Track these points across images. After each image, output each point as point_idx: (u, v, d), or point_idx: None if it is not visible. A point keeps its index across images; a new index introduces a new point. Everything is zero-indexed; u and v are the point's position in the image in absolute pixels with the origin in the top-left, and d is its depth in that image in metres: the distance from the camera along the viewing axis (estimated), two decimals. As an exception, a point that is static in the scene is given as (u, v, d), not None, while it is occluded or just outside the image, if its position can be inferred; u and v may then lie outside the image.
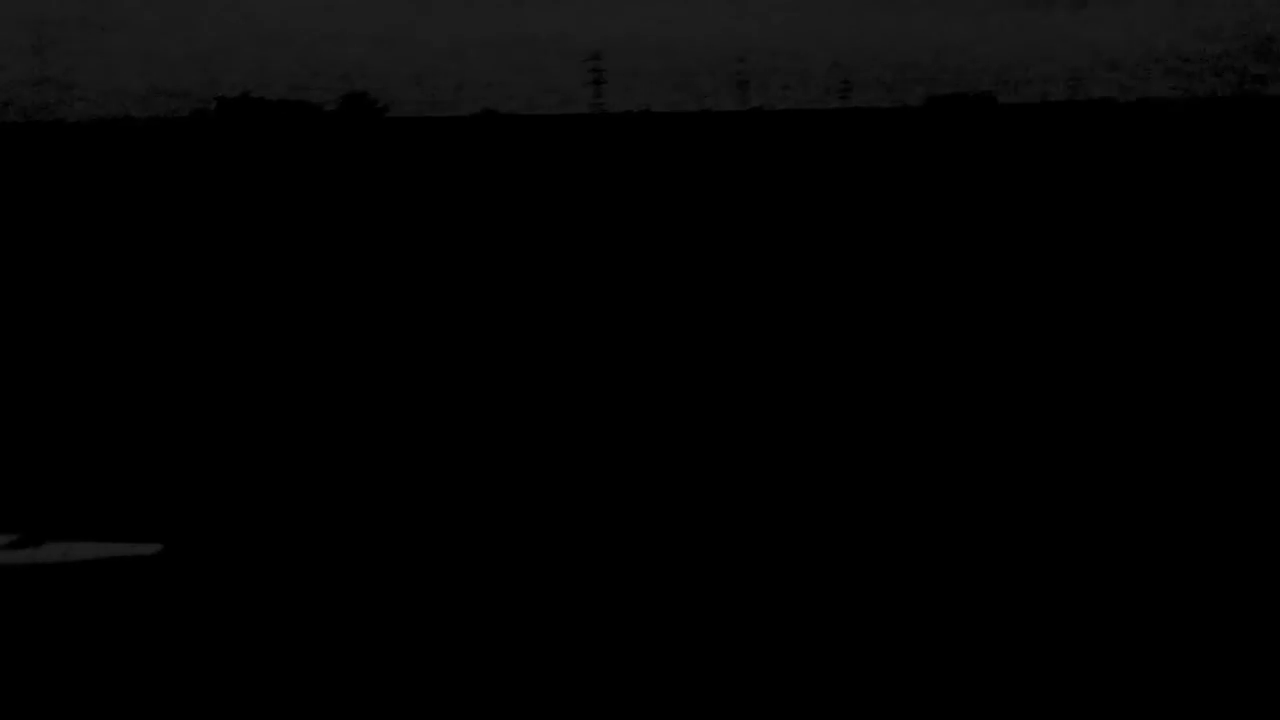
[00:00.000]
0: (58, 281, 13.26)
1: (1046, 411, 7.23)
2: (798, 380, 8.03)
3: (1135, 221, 18.69)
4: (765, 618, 4.03)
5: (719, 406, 7.32)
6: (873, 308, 10.88)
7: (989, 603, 4.26)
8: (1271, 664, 3.66)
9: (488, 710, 3.21)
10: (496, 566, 4.45)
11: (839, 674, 3.53)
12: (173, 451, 6.37)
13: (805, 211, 21.40)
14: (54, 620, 4.22)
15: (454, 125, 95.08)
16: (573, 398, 7.60)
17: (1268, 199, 21.90)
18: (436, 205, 23.00)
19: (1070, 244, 15.90)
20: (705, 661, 3.63)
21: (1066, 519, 5.32)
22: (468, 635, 3.78)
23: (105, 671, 3.96)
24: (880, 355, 8.74)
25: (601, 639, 3.77)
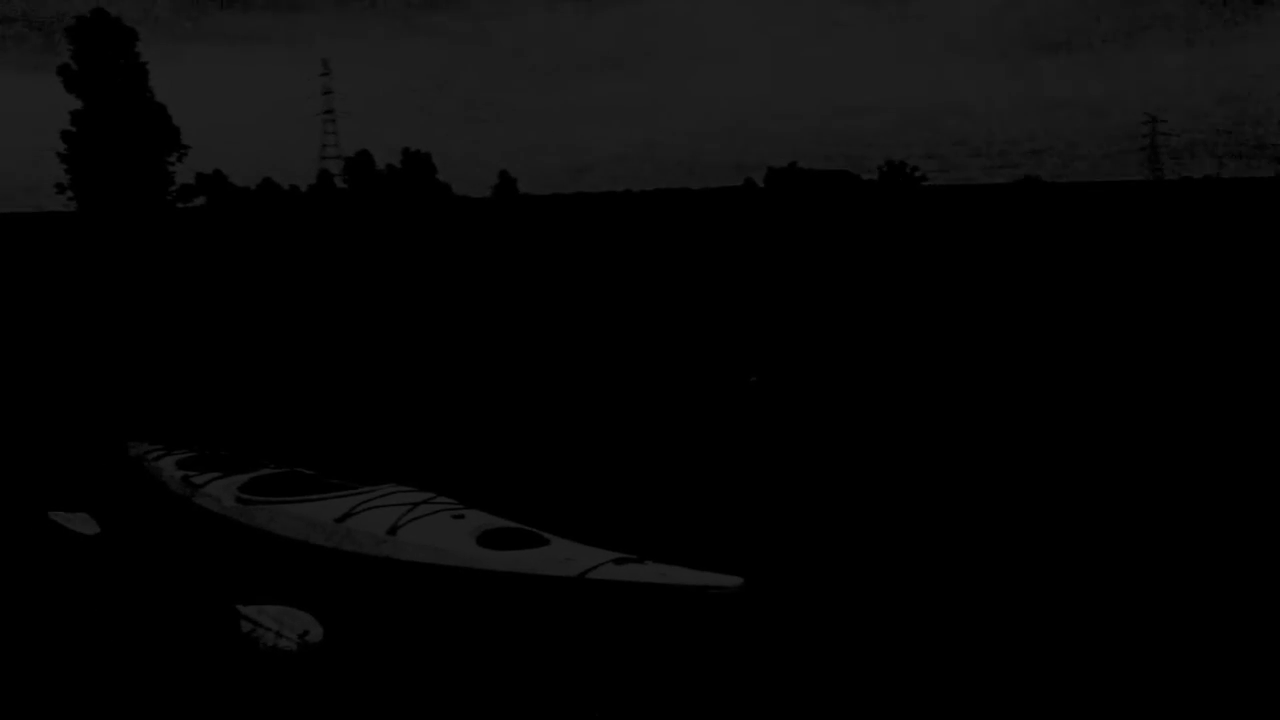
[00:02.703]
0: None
1: None
2: None
3: None
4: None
5: None
6: None
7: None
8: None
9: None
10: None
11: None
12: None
13: None
14: (647, 636, 4.55)
15: (995, 192, 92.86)
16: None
17: None
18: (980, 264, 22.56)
19: None
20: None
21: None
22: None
23: (676, 688, 4.19)
24: None
25: None
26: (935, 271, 22.54)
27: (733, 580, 4.44)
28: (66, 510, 6.22)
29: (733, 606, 4.43)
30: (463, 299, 19.50)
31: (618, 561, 4.64)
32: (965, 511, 6.16)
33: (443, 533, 5.10)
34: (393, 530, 5.17)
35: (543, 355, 12.52)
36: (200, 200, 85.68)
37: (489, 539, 5.04)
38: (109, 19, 60.28)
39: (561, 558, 4.74)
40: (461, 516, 5.29)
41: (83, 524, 6.03)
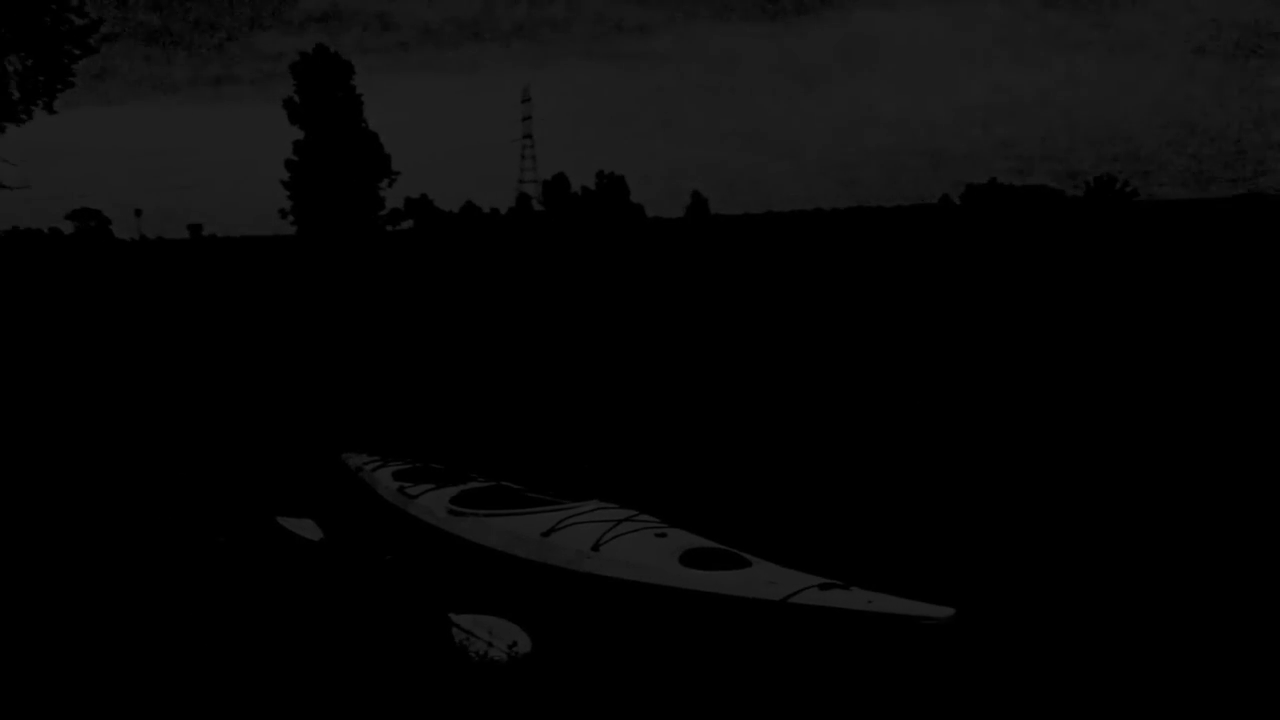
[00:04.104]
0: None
1: None
2: None
3: None
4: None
5: None
6: None
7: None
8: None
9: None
10: None
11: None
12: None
13: None
14: (853, 665, 4.44)
15: (1215, 206, 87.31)
16: None
17: None
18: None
19: None
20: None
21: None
22: None
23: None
24: None
25: None
26: (1157, 292, 21.30)
27: (944, 611, 4.27)
28: (293, 517, 6.59)
29: (944, 639, 4.27)
30: (657, 318, 19.72)
31: (822, 587, 4.55)
32: (1193, 540, 5.77)
33: (646, 550, 5.13)
34: (596, 546, 5.23)
35: (741, 375, 12.51)
36: (408, 223, 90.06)
37: (691, 558, 5.04)
38: (328, 54, 64.24)
39: (765, 580, 4.69)
40: (664, 535, 5.31)
41: (308, 530, 6.37)
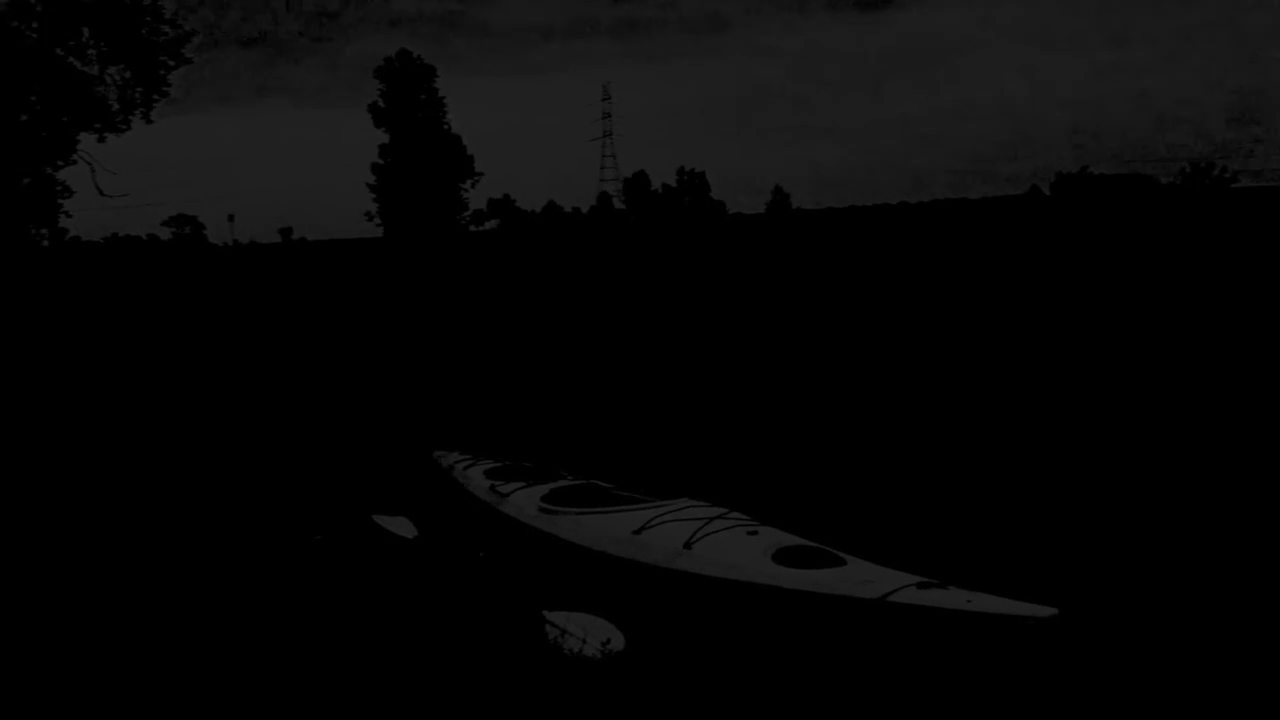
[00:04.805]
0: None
1: None
2: None
3: None
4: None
5: None
6: None
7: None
8: None
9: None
10: None
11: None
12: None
13: None
14: (954, 666, 4.35)
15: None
16: None
17: None
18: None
19: None
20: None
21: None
22: None
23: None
24: None
25: None
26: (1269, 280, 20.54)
27: (1046, 611, 4.17)
28: (387, 514, 6.70)
29: (1047, 640, 4.17)
30: (741, 315, 19.63)
31: (920, 585, 4.48)
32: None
33: (738, 548, 5.11)
34: (688, 544, 5.22)
35: (828, 372, 12.38)
36: (491, 223, 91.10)
37: (784, 556, 5.00)
38: (412, 58, 65.21)
39: (860, 579, 4.63)
40: (755, 533, 5.28)
41: (402, 527, 6.47)
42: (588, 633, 4.63)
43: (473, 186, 67.38)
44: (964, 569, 4.81)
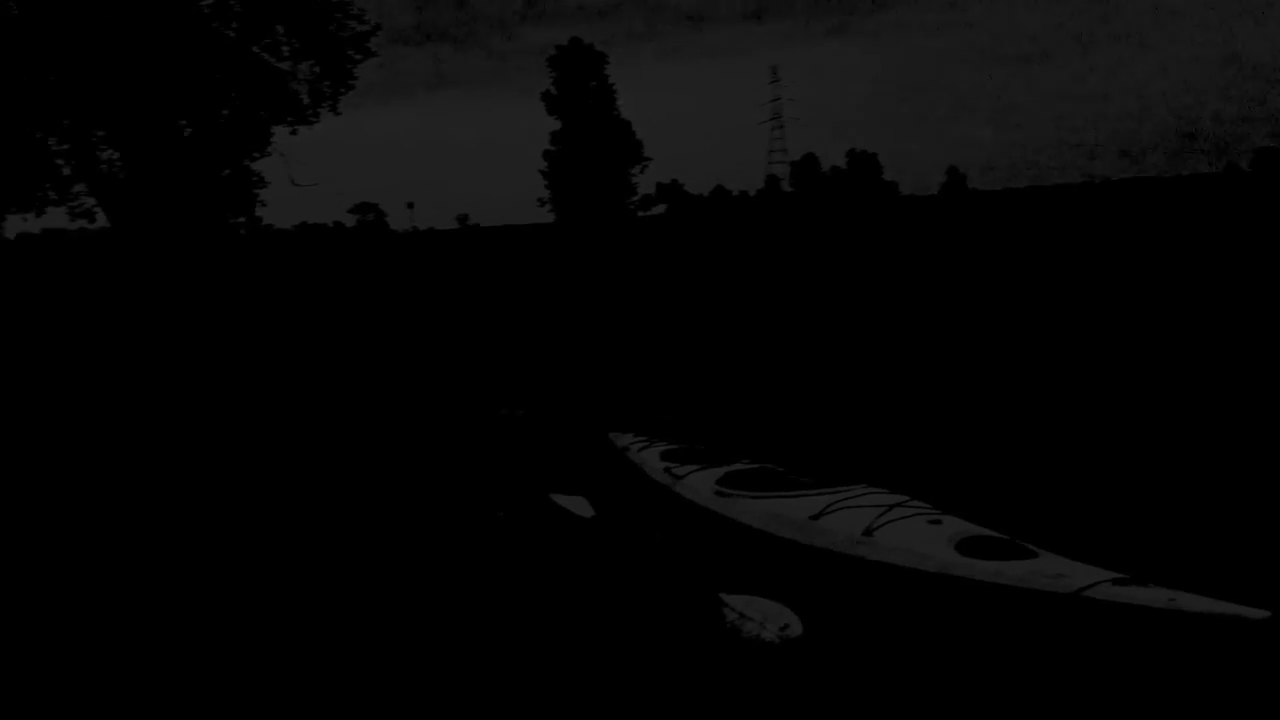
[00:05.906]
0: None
1: None
2: None
3: None
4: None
5: None
6: None
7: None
8: None
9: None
10: None
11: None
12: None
13: None
14: (1157, 667, 4.13)
15: None
16: None
17: None
18: None
19: None
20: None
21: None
22: None
23: None
24: None
25: None
26: None
27: (1258, 613, 3.90)
28: (565, 494, 6.84)
29: (1259, 644, 3.91)
30: (914, 298, 19.15)
31: (1116, 581, 4.27)
32: None
33: (920, 537, 4.99)
34: (869, 531, 5.13)
35: (1007, 356, 11.95)
36: (660, 208, 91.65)
37: (969, 547, 4.85)
38: (583, 46, 66.10)
39: (1052, 572, 4.45)
40: (938, 522, 5.14)
41: (580, 507, 6.60)
42: (766, 617, 4.62)
43: (642, 171, 67.95)
44: (1160, 567, 4.56)
